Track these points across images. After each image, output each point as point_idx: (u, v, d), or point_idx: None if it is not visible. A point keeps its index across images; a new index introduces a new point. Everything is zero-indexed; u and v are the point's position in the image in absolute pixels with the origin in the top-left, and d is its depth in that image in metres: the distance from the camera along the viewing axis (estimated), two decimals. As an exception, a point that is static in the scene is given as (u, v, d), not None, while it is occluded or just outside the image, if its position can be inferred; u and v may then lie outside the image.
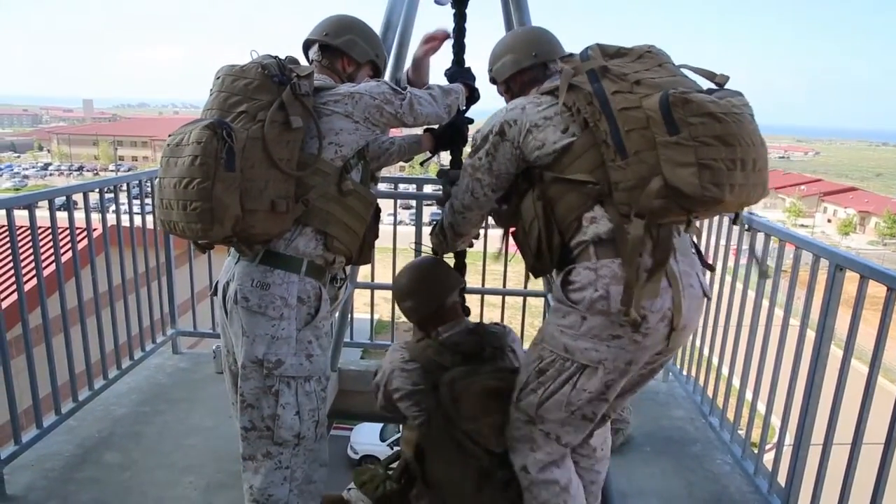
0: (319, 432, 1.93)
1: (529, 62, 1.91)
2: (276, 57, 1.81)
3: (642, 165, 1.53)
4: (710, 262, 3.17)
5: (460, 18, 2.36)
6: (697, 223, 1.82)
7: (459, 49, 2.34)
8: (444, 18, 2.39)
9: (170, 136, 1.73)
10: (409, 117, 1.91)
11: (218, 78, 1.81)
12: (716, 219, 3.15)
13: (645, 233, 1.57)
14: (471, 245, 2.26)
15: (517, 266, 4.01)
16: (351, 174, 1.88)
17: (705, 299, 1.76)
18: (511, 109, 1.79)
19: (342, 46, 1.98)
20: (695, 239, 1.83)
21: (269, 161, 1.69)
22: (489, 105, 2.16)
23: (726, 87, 1.61)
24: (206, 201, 1.60)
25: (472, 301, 3.61)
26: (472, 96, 2.17)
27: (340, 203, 1.84)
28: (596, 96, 1.60)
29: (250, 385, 1.80)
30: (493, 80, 2.05)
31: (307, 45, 2.04)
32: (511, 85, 1.97)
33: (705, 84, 1.64)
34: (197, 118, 1.76)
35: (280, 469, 1.83)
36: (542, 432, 1.77)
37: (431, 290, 2.13)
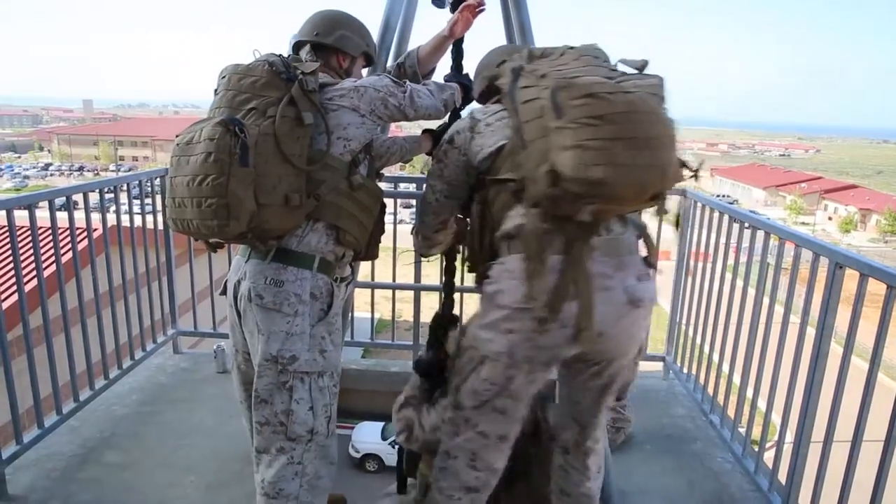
0: (331, 429, 1.94)
1: (483, 85, 1.99)
2: (280, 55, 1.84)
3: (537, 154, 1.48)
4: (710, 259, 3.18)
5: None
6: (648, 221, 1.77)
7: (458, 53, 2.34)
8: (441, 21, 2.40)
9: (178, 135, 1.74)
10: (410, 109, 1.94)
11: (224, 77, 1.82)
12: (715, 216, 3.15)
13: (548, 226, 1.53)
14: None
15: (517, 265, 4.03)
16: (359, 168, 1.91)
17: (641, 307, 1.64)
18: (462, 119, 1.88)
19: (335, 44, 1.99)
20: (646, 241, 1.76)
21: (280, 156, 1.71)
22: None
23: (646, 71, 1.59)
24: (221, 197, 1.61)
25: (473, 299, 3.61)
26: (469, 97, 2.20)
27: (350, 197, 1.86)
28: (509, 94, 1.62)
29: (264, 381, 1.81)
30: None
31: (298, 47, 2.04)
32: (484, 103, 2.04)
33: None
34: (205, 117, 1.77)
35: (292, 464, 1.84)
36: (463, 418, 1.76)
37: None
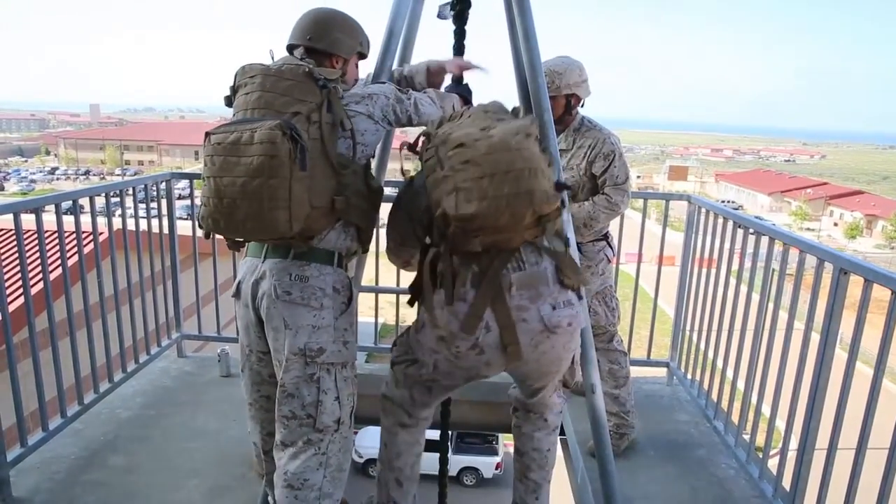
0: (352, 420, 2.00)
1: None
2: (306, 60, 1.89)
3: (435, 202, 1.71)
4: (714, 265, 3.18)
5: (460, 35, 2.38)
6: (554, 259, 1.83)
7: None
8: (445, 30, 2.43)
9: (214, 134, 1.75)
10: (415, 116, 2.02)
11: (253, 76, 1.82)
12: (720, 222, 3.15)
13: (458, 261, 1.74)
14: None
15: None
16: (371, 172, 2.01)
17: (557, 333, 1.78)
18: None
19: (328, 48, 1.99)
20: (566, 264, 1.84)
21: (326, 161, 1.79)
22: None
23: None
24: (284, 200, 1.67)
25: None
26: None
27: (367, 199, 1.95)
28: (420, 158, 1.87)
29: (291, 375, 1.85)
30: None
31: (290, 49, 2.04)
32: None
33: None
34: (242, 119, 1.78)
35: (317, 455, 1.87)
36: (396, 377, 2.06)
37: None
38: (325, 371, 1.87)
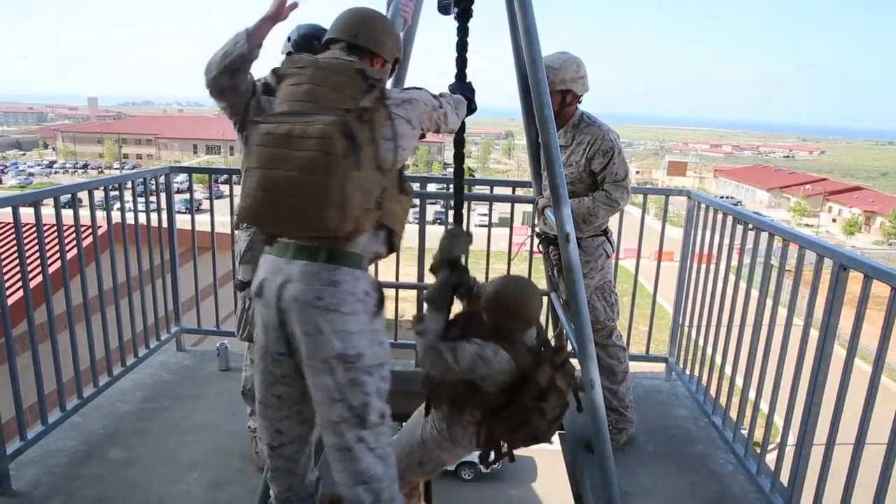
0: None
1: None
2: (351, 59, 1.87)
3: None
4: (713, 261, 3.18)
5: (463, 33, 2.37)
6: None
7: (462, 63, 2.35)
8: (446, 26, 2.41)
9: (263, 123, 1.72)
10: (444, 125, 2.01)
11: (302, 67, 1.80)
12: (719, 217, 3.15)
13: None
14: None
15: (521, 265, 4.02)
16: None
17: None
18: None
19: (373, 47, 1.96)
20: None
21: (375, 162, 1.75)
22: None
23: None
24: (336, 199, 1.65)
25: (475, 299, 3.63)
26: (470, 108, 2.24)
27: (400, 202, 1.92)
28: None
29: (332, 381, 1.83)
30: None
31: (328, 43, 2.00)
32: None
33: None
34: (290, 110, 1.75)
35: (372, 450, 1.90)
36: None
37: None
38: (367, 374, 1.85)
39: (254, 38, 2.10)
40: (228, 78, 2.10)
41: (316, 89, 1.75)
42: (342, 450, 1.88)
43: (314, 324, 1.79)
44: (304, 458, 2.04)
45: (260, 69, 2.37)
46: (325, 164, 1.63)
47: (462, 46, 2.37)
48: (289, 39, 2.44)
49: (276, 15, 2.13)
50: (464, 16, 2.34)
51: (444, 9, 2.39)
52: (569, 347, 3.37)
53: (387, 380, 1.94)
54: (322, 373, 1.83)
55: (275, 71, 1.87)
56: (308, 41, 2.41)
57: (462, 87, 2.26)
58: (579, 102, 2.86)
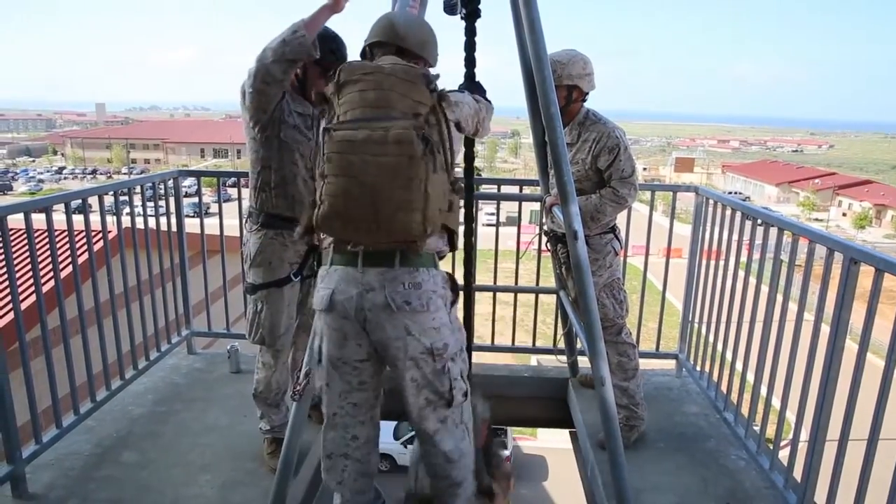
0: None
1: None
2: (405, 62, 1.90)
3: None
4: (723, 257, 3.17)
5: (471, 33, 2.37)
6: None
7: (470, 63, 2.35)
8: (454, 27, 2.42)
9: (337, 130, 1.73)
10: (482, 128, 2.06)
11: (367, 74, 1.81)
12: (728, 213, 3.14)
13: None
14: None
15: (529, 263, 4.03)
16: None
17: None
18: None
19: (421, 52, 1.99)
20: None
21: (445, 165, 1.81)
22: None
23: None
24: (419, 202, 1.71)
25: (484, 298, 3.63)
26: None
27: (456, 202, 1.97)
28: None
29: (420, 373, 1.89)
30: None
31: (373, 47, 2.01)
32: None
33: None
34: (366, 116, 1.75)
35: (458, 426, 2.00)
36: None
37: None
38: (451, 361, 1.92)
39: (311, 29, 2.17)
40: (282, 68, 2.14)
41: (385, 94, 1.76)
42: (431, 432, 1.96)
43: (403, 327, 1.83)
44: (374, 458, 2.09)
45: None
46: (407, 168, 1.67)
47: (470, 46, 2.37)
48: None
49: (335, 5, 2.19)
50: (471, 16, 2.34)
51: (450, 9, 2.38)
52: (579, 345, 3.38)
53: (465, 360, 2.03)
54: (411, 369, 1.88)
55: (335, 78, 1.85)
56: (320, 42, 2.41)
57: (472, 86, 2.26)
58: (584, 100, 2.86)
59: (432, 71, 1.96)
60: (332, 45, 2.45)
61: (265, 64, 2.18)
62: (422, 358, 1.86)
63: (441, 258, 1.97)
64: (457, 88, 2.20)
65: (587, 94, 2.84)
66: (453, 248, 1.99)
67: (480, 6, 2.34)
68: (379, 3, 2.37)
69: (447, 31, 2.45)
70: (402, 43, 1.94)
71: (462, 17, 2.37)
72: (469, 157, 2.39)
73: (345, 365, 1.92)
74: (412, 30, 1.97)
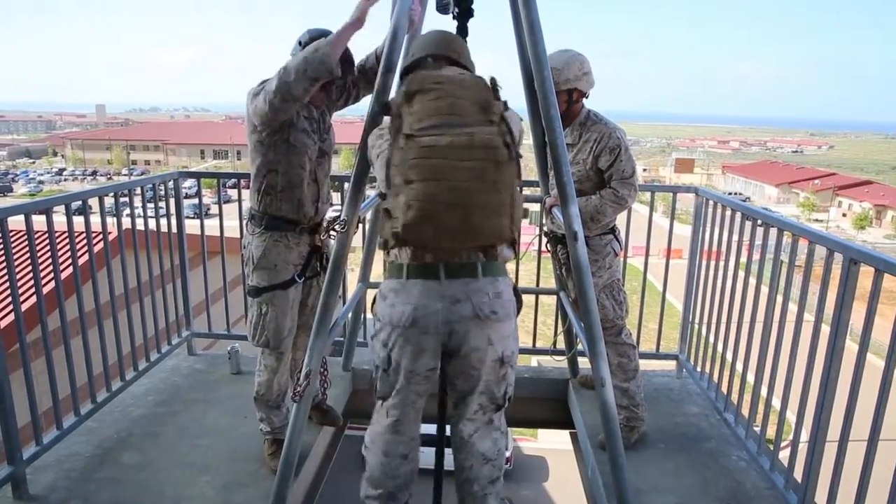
0: None
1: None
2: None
3: None
4: (723, 257, 3.17)
5: (462, 33, 2.37)
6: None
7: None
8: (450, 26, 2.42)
9: (420, 136, 1.73)
10: (523, 138, 2.09)
11: (439, 83, 1.84)
12: (728, 214, 3.14)
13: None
14: None
15: (529, 264, 4.03)
16: None
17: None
18: None
19: (468, 65, 2.05)
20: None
21: (518, 172, 1.85)
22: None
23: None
24: (507, 206, 1.75)
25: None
26: None
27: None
28: None
29: (484, 380, 1.93)
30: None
31: (420, 61, 2.04)
32: None
33: None
34: (446, 122, 1.76)
35: (497, 428, 2.05)
36: None
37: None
38: (511, 368, 1.96)
39: (337, 49, 2.19)
40: (303, 87, 2.16)
41: (458, 103, 1.79)
42: (470, 433, 2.00)
43: (486, 336, 1.84)
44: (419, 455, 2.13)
45: (264, 73, 2.38)
46: (494, 172, 1.70)
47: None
48: (299, 43, 2.45)
49: (359, 22, 2.23)
50: (464, 16, 2.35)
51: (442, 8, 2.39)
52: (579, 346, 3.38)
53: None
54: (475, 376, 1.92)
55: (406, 90, 1.86)
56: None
57: None
58: (585, 98, 2.85)
59: None
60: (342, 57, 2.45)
61: (287, 82, 2.18)
62: (492, 365, 1.88)
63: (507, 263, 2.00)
64: None
65: (587, 92, 2.84)
66: (516, 255, 1.99)
67: (473, 6, 2.34)
68: (380, 4, 2.38)
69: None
70: (457, 57, 2.02)
71: (454, 17, 2.37)
72: None
73: (417, 376, 1.92)
74: (459, 46, 2.07)
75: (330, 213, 2.68)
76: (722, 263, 3.21)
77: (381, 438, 2.02)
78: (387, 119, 1.91)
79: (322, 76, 2.19)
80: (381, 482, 2.04)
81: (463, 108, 1.78)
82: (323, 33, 2.47)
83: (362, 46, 2.54)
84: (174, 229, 3.75)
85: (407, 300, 1.82)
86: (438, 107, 1.78)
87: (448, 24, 2.39)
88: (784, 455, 2.62)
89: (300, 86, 2.18)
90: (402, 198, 1.71)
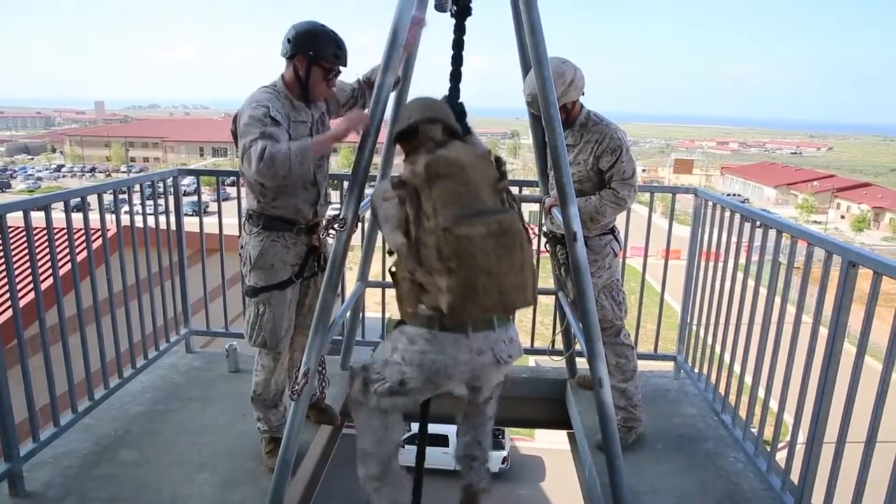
0: None
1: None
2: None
3: None
4: (722, 258, 3.18)
5: (460, 31, 2.36)
6: None
7: (457, 63, 2.34)
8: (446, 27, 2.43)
9: (467, 226, 1.84)
10: None
11: (461, 168, 1.93)
12: (726, 215, 3.14)
13: None
14: None
15: (527, 264, 4.03)
16: None
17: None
18: None
19: (456, 128, 2.15)
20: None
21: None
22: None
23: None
24: (534, 278, 1.98)
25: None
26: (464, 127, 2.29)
27: None
28: None
29: (489, 406, 2.35)
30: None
31: (424, 123, 2.08)
32: None
33: None
34: (481, 210, 1.90)
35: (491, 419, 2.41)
36: None
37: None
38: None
39: (316, 154, 2.37)
40: (283, 175, 2.26)
41: (478, 187, 1.93)
42: (481, 437, 2.37)
43: (501, 375, 2.15)
44: None
45: (271, 72, 2.38)
46: (521, 254, 1.91)
47: (458, 44, 2.36)
48: (288, 41, 2.44)
49: (343, 138, 2.37)
50: (462, 14, 2.34)
51: (440, 6, 2.38)
52: (577, 347, 3.38)
53: None
54: (485, 392, 2.24)
55: (423, 172, 1.91)
56: (310, 38, 2.41)
57: (454, 106, 2.29)
58: (582, 94, 2.84)
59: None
60: (334, 47, 2.44)
61: (273, 170, 2.24)
62: (499, 383, 2.23)
63: None
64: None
65: (579, 99, 2.82)
66: None
67: (471, 4, 2.33)
68: (381, 3, 2.37)
69: (444, 30, 2.45)
70: (453, 125, 2.12)
71: (452, 15, 2.36)
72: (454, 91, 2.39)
73: (438, 398, 2.17)
74: (448, 109, 2.18)
75: (329, 213, 2.68)
76: (720, 265, 3.21)
77: (369, 422, 2.15)
78: (387, 184, 2.00)
79: (299, 174, 2.31)
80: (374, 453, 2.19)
81: (482, 192, 1.93)
82: (311, 26, 2.43)
83: (362, 46, 2.54)
84: (173, 227, 3.74)
85: (440, 351, 1.95)
86: (461, 193, 1.89)
87: (447, 22, 2.40)
88: (781, 457, 2.63)
89: (280, 174, 2.26)
90: (443, 282, 1.84)
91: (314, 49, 2.41)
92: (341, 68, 2.51)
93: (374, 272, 3.62)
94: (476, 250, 1.82)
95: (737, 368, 3.03)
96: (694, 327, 3.56)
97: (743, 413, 2.92)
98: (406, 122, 2.11)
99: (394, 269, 2.04)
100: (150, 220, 3.50)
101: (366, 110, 2.31)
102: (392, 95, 2.48)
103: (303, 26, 2.44)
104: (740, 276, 3.04)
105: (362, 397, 2.11)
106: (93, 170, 62.33)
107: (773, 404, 2.61)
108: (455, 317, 1.86)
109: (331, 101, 2.68)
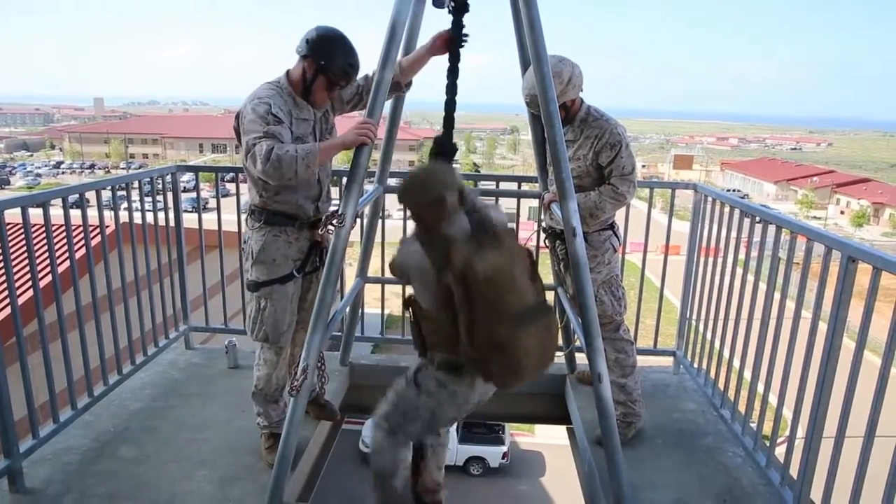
0: None
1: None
2: None
3: None
4: (721, 254, 3.18)
5: (458, 28, 2.35)
6: None
7: (455, 59, 2.33)
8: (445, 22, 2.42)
9: (515, 333, 1.91)
10: None
11: (512, 276, 1.97)
12: (726, 210, 3.14)
13: None
14: None
15: (527, 260, 4.02)
16: None
17: None
18: None
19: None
20: None
21: None
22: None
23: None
24: None
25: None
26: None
27: None
28: None
29: None
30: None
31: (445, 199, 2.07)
32: None
33: None
34: (521, 318, 1.95)
35: None
36: None
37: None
38: None
39: (323, 160, 2.38)
40: (290, 178, 2.28)
41: (523, 292, 2.01)
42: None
43: None
44: None
45: (270, 71, 2.36)
46: (555, 345, 2.11)
47: (456, 41, 2.35)
48: (307, 42, 2.43)
49: (351, 147, 2.31)
50: (460, 10, 2.33)
51: (438, 2, 2.37)
52: (576, 342, 3.38)
53: None
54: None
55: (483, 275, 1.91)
56: (327, 46, 2.41)
57: (447, 142, 2.30)
58: (581, 91, 2.83)
59: None
60: (346, 64, 2.44)
61: (279, 171, 2.25)
62: None
63: None
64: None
65: (578, 96, 2.81)
66: None
67: (469, 0, 2.32)
68: (382, 3, 2.37)
69: (440, 26, 2.44)
70: (459, 185, 2.11)
71: (449, 11, 2.35)
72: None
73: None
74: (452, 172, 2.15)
75: (331, 209, 2.67)
76: (720, 260, 3.21)
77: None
78: (418, 249, 2.01)
79: (304, 177, 2.35)
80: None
81: (528, 294, 1.98)
82: (330, 31, 2.42)
83: (362, 45, 2.54)
84: (172, 223, 3.73)
85: (470, 390, 2.14)
86: (511, 302, 1.93)
87: (444, 19, 2.39)
88: (780, 452, 2.63)
89: (286, 177, 2.28)
90: (496, 359, 1.94)
91: (326, 59, 2.40)
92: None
93: (374, 268, 3.62)
94: (528, 347, 1.95)
95: (736, 364, 3.04)
96: (693, 323, 3.56)
97: (742, 408, 2.93)
98: (434, 195, 2.00)
99: (412, 299, 2.12)
100: (149, 217, 3.49)
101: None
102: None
103: (324, 32, 2.43)
104: (740, 271, 3.04)
105: (388, 444, 2.24)
106: (92, 166, 62.27)
107: (773, 399, 2.62)
108: (494, 382, 2.05)
109: (335, 98, 2.67)
